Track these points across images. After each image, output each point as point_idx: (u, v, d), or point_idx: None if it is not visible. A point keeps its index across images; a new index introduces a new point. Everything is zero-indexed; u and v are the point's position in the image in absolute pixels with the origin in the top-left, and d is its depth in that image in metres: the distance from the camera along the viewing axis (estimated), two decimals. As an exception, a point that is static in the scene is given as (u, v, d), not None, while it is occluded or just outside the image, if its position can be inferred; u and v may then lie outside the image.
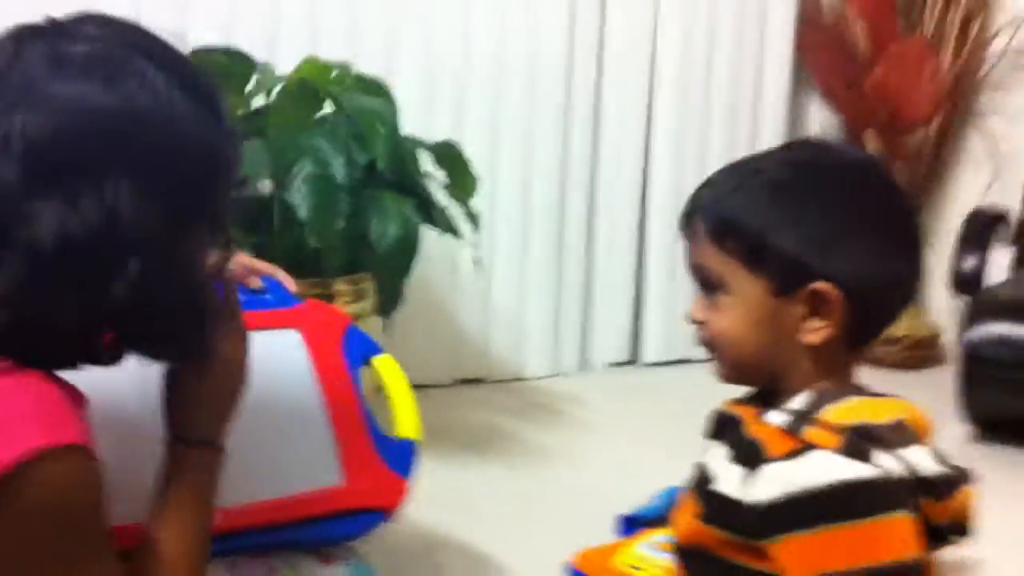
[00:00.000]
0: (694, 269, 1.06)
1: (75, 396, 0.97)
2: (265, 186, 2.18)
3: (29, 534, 0.86)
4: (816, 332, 0.99)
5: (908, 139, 3.10)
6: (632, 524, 2.11)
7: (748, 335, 1.02)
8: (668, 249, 3.08)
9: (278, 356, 1.36)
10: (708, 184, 1.06)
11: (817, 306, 0.99)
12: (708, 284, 1.04)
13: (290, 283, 1.47)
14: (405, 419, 1.41)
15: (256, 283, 1.45)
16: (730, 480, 1.00)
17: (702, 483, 1.05)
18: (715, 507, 1.01)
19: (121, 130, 0.88)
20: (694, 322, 1.07)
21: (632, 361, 3.19)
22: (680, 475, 2.34)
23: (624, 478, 2.32)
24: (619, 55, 2.97)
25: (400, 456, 1.37)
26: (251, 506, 1.24)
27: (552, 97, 2.87)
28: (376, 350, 1.46)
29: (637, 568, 1.36)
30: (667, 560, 1.16)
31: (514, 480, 2.30)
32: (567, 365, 3.07)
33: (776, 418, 1.00)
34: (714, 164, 3.48)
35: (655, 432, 2.58)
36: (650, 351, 3.16)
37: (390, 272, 2.04)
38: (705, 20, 3.05)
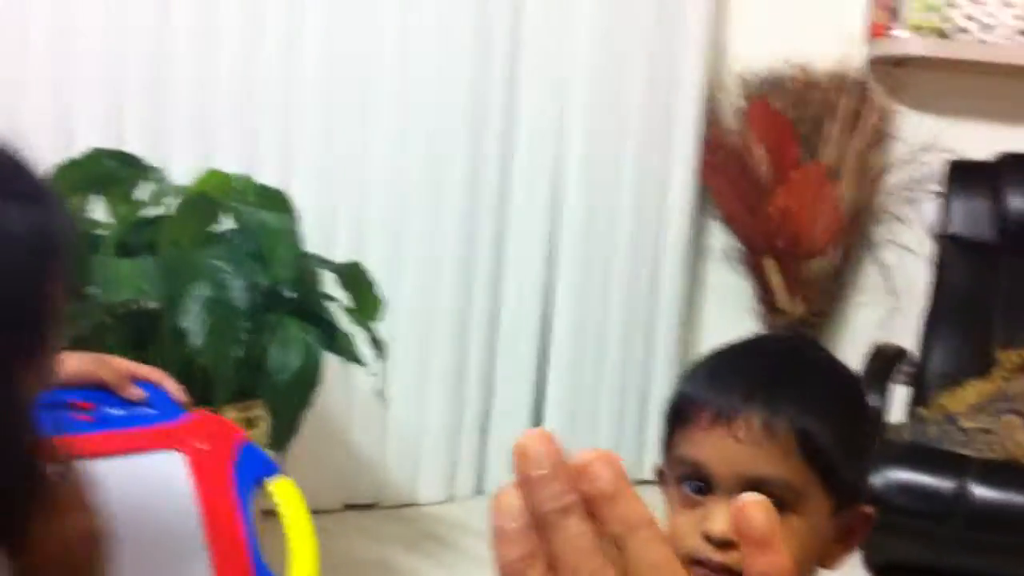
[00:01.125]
0: (747, 481, 0.81)
1: None
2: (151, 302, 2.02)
3: None
4: (837, 558, 0.87)
5: (807, 268, 3.11)
6: None
7: (807, 559, 0.84)
8: (568, 375, 3.00)
9: (156, 485, 1.22)
10: (761, 381, 0.86)
11: (847, 530, 0.87)
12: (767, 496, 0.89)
13: (177, 391, 1.33)
14: (301, 561, 1.25)
15: (137, 393, 1.30)
16: None
17: None
18: None
19: None
20: (726, 543, 0.82)
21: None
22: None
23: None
24: (525, 177, 2.91)
25: None
26: None
27: (456, 221, 2.78)
28: (272, 471, 1.32)
29: None
30: None
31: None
32: (462, 490, 2.93)
33: None
34: (616, 294, 3.45)
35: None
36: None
37: (288, 403, 1.89)
38: (610, 142, 3.02)
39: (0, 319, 0.77)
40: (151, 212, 2.06)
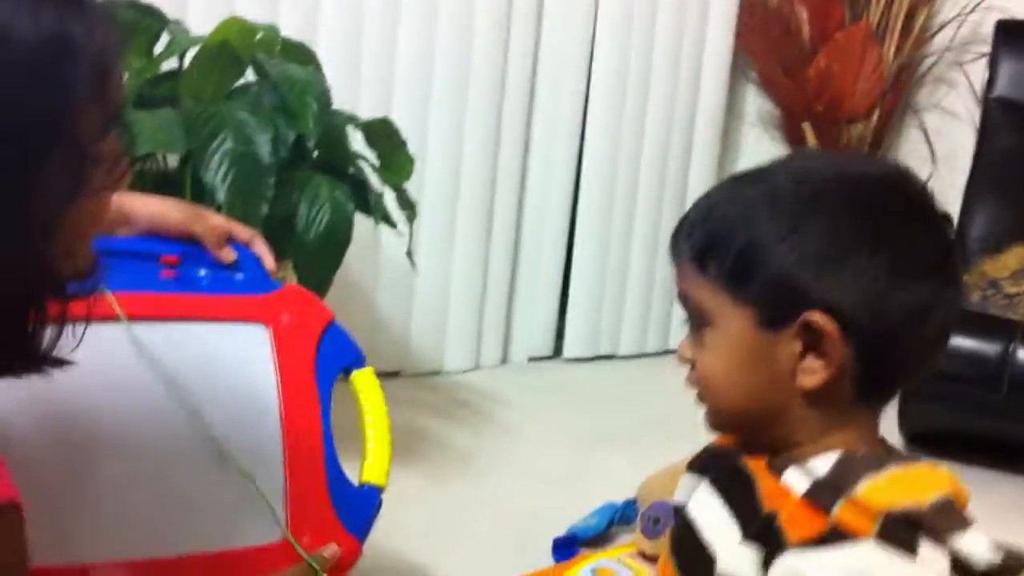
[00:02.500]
0: (680, 299, 0.89)
1: None
2: (172, 159, 1.94)
3: None
4: (813, 375, 0.81)
5: (846, 133, 3.00)
6: (567, 546, 1.97)
7: (735, 377, 0.84)
8: (595, 243, 2.94)
9: (235, 360, 1.16)
10: (702, 198, 0.89)
11: (813, 342, 0.81)
12: (693, 316, 0.87)
13: (268, 259, 1.28)
14: (375, 460, 1.20)
15: (229, 254, 1.25)
16: (740, 563, 0.83)
17: (697, 556, 0.87)
18: None
19: None
20: (683, 362, 0.89)
21: (553, 356, 3.04)
22: (608, 482, 2.19)
23: (553, 488, 2.18)
24: (556, 36, 2.78)
25: (358, 509, 1.16)
26: (164, 562, 1.04)
27: (485, 80, 2.66)
28: (358, 360, 1.26)
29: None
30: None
31: (439, 491, 2.13)
32: (488, 359, 2.89)
33: (797, 482, 0.82)
34: (648, 155, 3.36)
35: (580, 435, 2.44)
36: (572, 346, 3.01)
37: (317, 262, 1.82)
38: (644, 3, 2.88)
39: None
40: (170, 65, 1.97)
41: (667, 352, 3.02)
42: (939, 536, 0.76)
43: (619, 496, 2.00)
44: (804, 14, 2.97)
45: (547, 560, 1.89)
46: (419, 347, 2.78)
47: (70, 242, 0.75)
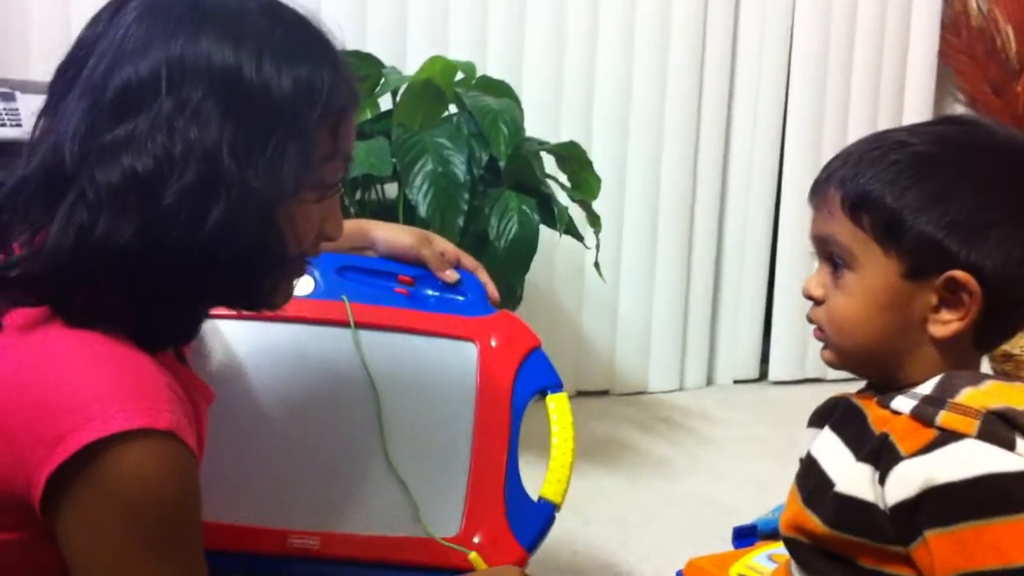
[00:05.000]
0: (818, 240, 0.97)
1: (194, 388, 0.95)
2: (392, 189, 2.19)
3: (109, 522, 0.80)
4: (946, 325, 0.90)
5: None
6: (748, 535, 2.04)
7: (869, 318, 0.92)
8: (800, 263, 2.98)
9: (442, 370, 1.29)
10: (848, 153, 0.96)
11: (950, 296, 0.90)
12: (833, 258, 0.95)
13: (491, 287, 1.39)
14: (554, 478, 1.25)
15: (452, 276, 1.37)
16: (856, 481, 0.91)
17: (819, 484, 0.96)
18: (841, 512, 0.92)
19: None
20: (809, 297, 0.98)
21: (759, 379, 3.10)
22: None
23: (744, 490, 2.26)
24: (752, 61, 2.89)
25: (531, 521, 1.22)
26: (349, 537, 1.16)
27: (681, 107, 2.81)
28: (555, 384, 1.33)
29: (749, 579, 1.25)
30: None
31: (633, 489, 2.25)
32: (692, 380, 2.99)
33: (903, 404, 0.91)
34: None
35: (779, 446, 2.49)
36: (778, 369, 3.05)
37: (508, 270, 2.01)
38: (844, 22, 2.94)
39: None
40: (386, 105, 2.24)
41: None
42: None
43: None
44: (1010, 31, 2.94)
45: (728, 547, 1.98)
46: (624, 368, 2.91)
47: (283, 240, 0.91)
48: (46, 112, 0.89)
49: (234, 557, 1.12)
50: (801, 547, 0.99)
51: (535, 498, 1.24)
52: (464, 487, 1.21)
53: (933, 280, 0.90)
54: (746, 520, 2.07)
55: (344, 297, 1.29)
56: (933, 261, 0.89)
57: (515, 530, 1.20)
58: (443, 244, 1.40)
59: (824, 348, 0.99)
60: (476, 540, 1.17)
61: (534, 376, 1.30)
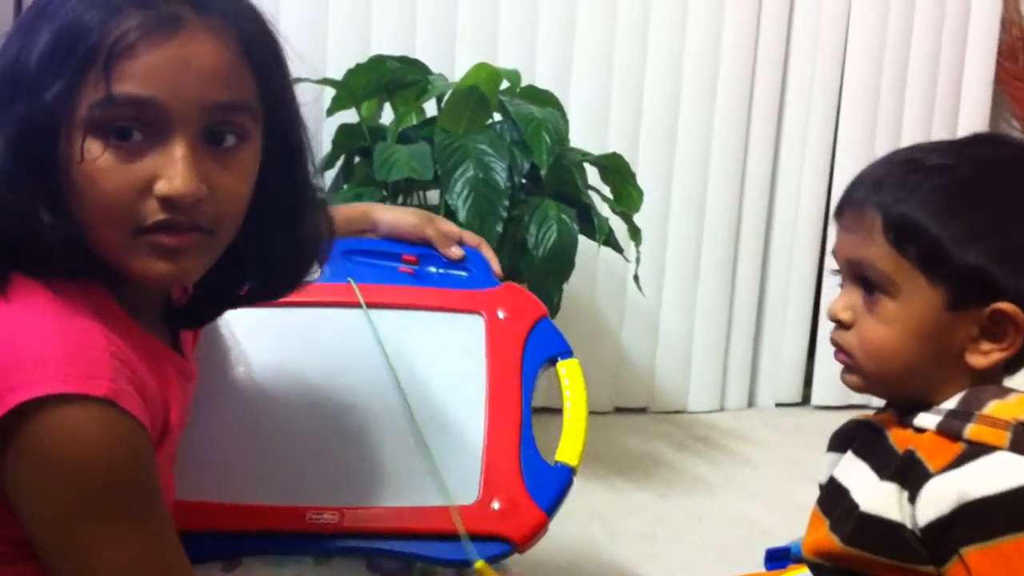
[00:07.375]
0: (851, 264, 0.95)
1: (168, 361, 0.94)
2: (434, 195, 2.20)
3: (45, 483, 0.80)
4: (986, 356, 0.89)
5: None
6: (781, 558, 2.00)
7: (908, 347, 0.91)
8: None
9: (452, 343, 1.31)
10: (879, 176, 0.94)
11: (993, 327, 0.89)
12: (868, 283, 0.93)
13: (494, 261, 1.41)
14: (570, 441, 1.26)
15: (457, 252, 1.39)
16: (880, 500, 0.90)
17: (843, 505, 0.95)
18: (863, 531, 0.91)
19: None
20: (836, 321, 0.96)
21: (802, 403, 3.06)
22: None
23: (780, 511, 2.22)
24: (804, 83, 2.87)
25: (548, 484, 1.22)
26: (367, 511, 1.17)
27: (729, 124, 2.79)
28: (565, 351, 1.35)
29: (780, 600, 1.23)
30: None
31: (667, 506, 2.23)
32: (733, 401, 2.96)
33: (928, 421, 0.90)
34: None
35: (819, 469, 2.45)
36: (822, 393, 3.01)
37: (546, 278, 2.01)
38: (898, 47, 2.91)
39: None
40: (431, 110, 2.25)
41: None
42: None
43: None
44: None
45: (760, 569, 1.95)
46: (664, 386, 2.89)
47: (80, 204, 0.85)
48: None
49: (253, 537, 1.13)
50: (826, 572, 0.97)
51: (551, 463, 1.25)
52: (480, 455, 1.22)
53: (977, 311, 0.89)
54: (780, 542, 2.05)
55: (350, 279, 1.32)
56: (979, 292, 0.88)
57: (533, 494, 1.20)
58: (446, 224, 1.42)
59: (848, 372, 0.97)
60: (495, 506, 1.18)
61: (543, 344, 1.33)
